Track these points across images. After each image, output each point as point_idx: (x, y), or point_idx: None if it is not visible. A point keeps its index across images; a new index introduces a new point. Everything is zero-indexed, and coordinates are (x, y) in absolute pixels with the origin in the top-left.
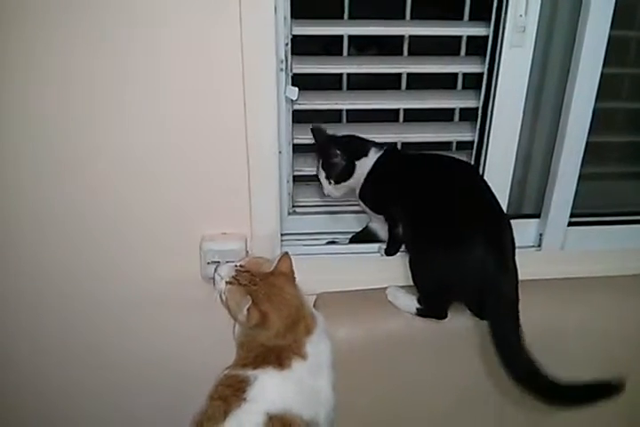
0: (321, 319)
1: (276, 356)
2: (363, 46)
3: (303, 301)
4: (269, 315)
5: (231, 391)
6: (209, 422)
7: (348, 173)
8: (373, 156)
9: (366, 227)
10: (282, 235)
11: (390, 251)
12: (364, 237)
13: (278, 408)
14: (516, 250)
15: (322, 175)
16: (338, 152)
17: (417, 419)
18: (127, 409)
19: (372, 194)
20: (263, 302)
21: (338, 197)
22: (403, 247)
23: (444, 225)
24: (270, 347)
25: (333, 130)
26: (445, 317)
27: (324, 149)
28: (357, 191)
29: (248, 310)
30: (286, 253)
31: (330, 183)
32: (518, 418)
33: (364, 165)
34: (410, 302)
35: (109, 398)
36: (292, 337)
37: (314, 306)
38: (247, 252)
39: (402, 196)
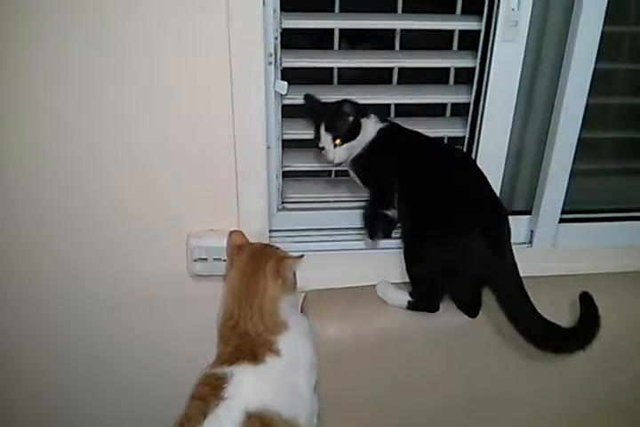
0: (301, 321)
1: (250, 351)
2: (354, 40)
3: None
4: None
5: (210, 390)
6: (189, 424)
7: (355, 130)
8: (375, 123)
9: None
10: (270, 231)
11: (372, 233)
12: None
13: (256, 405)
14: None
15: (326, 138)
16: (347, 107)
17: (408, 417)
18: (116, 405)
19: (368, 163)
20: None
21: (342, 161)
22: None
23: (441, 211)
24: (242, 337)
25: None
26: (437, 309)
27: (330, 109)
28: (353, 157)
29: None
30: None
31: (335, 146)
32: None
33: (368, 129)
34: (401, 296)
35: (99, 393)
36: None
37: (302, 303)
38: None
39: (399, 174)
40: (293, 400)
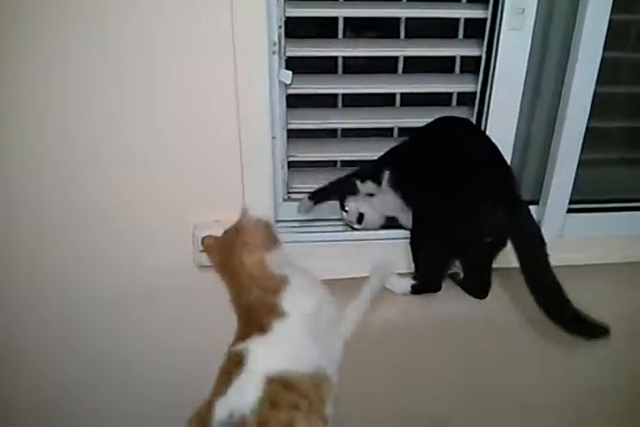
0: (298, 270)
1: (258, 323)
2: (358, 29)
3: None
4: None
5: (231, 365)
6: (216, 396)
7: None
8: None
9: None
10: (276, 222)
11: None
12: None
13: (275, 370)
14: None
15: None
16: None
17: (411, 406)
18: (120, 401)
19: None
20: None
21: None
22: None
23: (445, 180)
24: (249, 311)
25: (328, 114)
26: (440, 288)
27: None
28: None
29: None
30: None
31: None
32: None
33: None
34: (404, 282)
35: (103, 389)
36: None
37: None
38: None
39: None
40: (311, 354)
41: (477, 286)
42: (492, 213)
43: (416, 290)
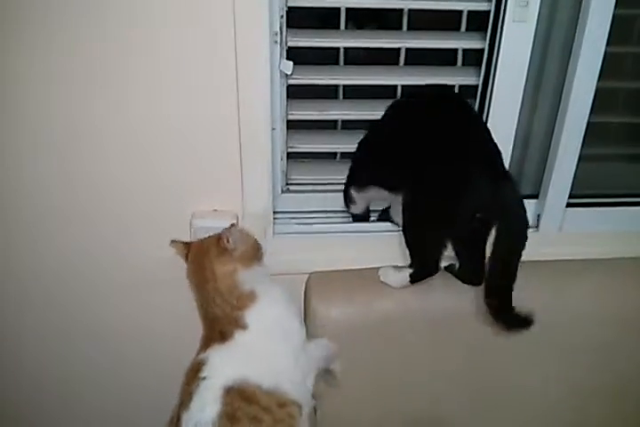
0: (271, 289)
1: (219, 332)
2: (360, 20)
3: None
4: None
5: (193, 374)
6: (182, 408)
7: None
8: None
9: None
10: (274, 213)
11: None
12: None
13: (233, 380)
14: None
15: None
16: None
17: (409, 400)
18: (118, 389)
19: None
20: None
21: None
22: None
23: (434, 157)
24: (212, 321)
25: (328, 106)
26: (437, 269)
27: None
28: None
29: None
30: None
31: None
32: None
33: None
34: (402, 274)
35: (100, 379)
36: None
37: (306, 285)
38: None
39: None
40: (272, 370)
41: (471, 271)
42: (478, 185)
43: (415, 278)
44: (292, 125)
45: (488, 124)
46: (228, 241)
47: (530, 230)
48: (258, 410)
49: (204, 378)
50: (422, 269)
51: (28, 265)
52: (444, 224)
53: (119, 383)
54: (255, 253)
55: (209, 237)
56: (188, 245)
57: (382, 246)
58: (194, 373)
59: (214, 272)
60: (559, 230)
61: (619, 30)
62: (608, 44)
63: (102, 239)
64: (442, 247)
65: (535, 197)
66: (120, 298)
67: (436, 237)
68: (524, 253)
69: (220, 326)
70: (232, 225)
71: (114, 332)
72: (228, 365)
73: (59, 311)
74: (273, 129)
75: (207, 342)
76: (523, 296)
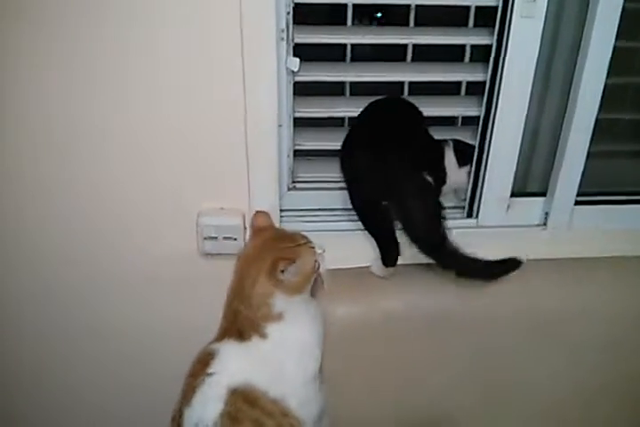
0: (302, 314)
1: (238, 329)
2: (368, 16)
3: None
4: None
5: (200, 366)
6: (184, 402)
7: None
8: None
9: None
10: (281, 211)
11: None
12: None
13: (240, 381)
14: (520, 228)
15: None
16: None
17: (412, 397)
18: (120, 386)
19: None
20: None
21: None
22: None
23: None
24: (235, 315)
25: (335, 103)
26: (396, 251)
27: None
28: None
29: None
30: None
31: None
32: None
33: None
34: (378, 261)
35: (103, 378)
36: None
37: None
38: (245, 228)
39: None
40: (281, 383)
41: (386, 252)
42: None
43: (385, 261)
44: (299, 123)
45: (495, 121)
46: (282, 271)
47: (538, 228)
48: (260, 414)
49: (211, 374)
50: (384, 252)
51: (31, 263)
52: (364, 209)
53: (119, 382)
54: (304, 286)
55: (279, 239)
56: (264, 227)
57: None
58: (201, 365)
59: (254, 285)
60: (567, 228)
61: (628, 25)
62: (617, 39)
63: (107, 237)
64: (381, 225)
65: (543, 194)
66: (124, 297)
67: (367, 218)
68: (527, 250)
69: (240, 324)
70: (292, 262)
71: (118, 329)
72: (238, 365)
73: (60, 310)
74: (279, 126)
75: (223, 333)
76: (530, 295)
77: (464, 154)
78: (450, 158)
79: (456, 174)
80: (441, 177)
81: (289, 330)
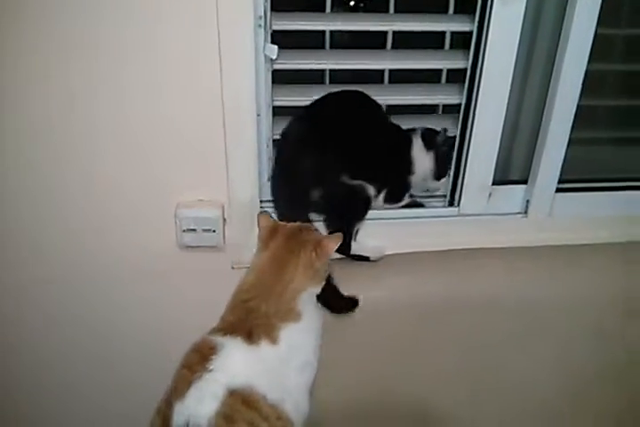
0: (316, 316)
1: (249, 328)
2: (346, 3)
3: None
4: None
5: (198, 358)
6: (175, 395)
7: None
8: None
9: None
10: (261, 201)
11: None
12: None
13: (240, 383)
14: (501, 216)
15: None
16: None
17: (403, 388)
18: (104, 378)
19: None
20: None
21: None
22: None
23: None
24: (248, 312)
25: (315, 91)
26: (349, 237)
27: None
28: None
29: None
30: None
31: None
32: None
33: None
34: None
35: (89, 370)
36: (261, 303)
37: None
38: (224, 219)
39: None
40: (280, 387)
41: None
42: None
43: (342, 251)
44: (278, 112)
45: (477, 110)
46: (317, 256)
47: (519, 216)
48: (256, 417)
49: (211, 370)
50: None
51: (13, 258)
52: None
53: (116, 379)
54: (325, 273)
55: (301, 232)
56: (276, 226)
57: (377, 234)
58: (199, 357)
59: (292, 280)
60: (549, 216)
61: (608, 11)
62: (598, 25)
63: (86, 230)
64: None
65: (524, 182)
66: (106, 289)
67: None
68: (509, 238)
69: (253, 323)
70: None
71: (99, 322)
72: (241, 367)
73: (43, 302)
74: (258, 115)
75: (229, 328)
76: (512, 283)
77: (436, 137)
78: (418, 147)
79: (425, 163)
80: (406, 168)
81: (300, 334)
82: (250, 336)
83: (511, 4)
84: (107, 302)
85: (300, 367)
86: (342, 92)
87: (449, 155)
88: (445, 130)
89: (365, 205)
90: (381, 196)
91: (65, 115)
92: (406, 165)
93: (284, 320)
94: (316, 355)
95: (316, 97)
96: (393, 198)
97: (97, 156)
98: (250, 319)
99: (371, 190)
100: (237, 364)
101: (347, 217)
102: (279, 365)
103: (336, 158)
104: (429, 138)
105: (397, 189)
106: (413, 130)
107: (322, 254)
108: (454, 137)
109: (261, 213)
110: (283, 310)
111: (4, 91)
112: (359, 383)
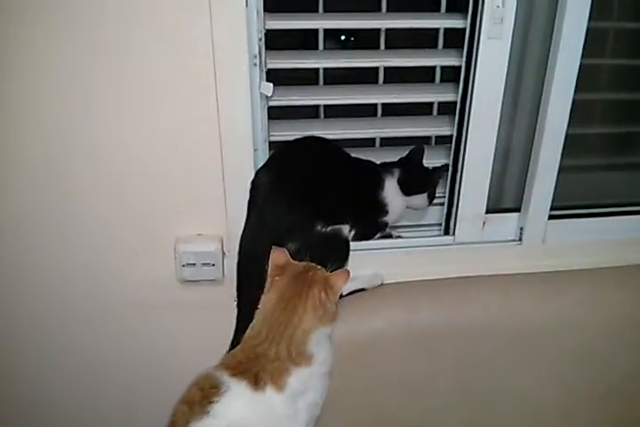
0: (327, 358)
1: (255, 374)
2: (339, 40)
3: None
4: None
5: (200, 397)
6: None
7: None
8: None
9: None
10: None
11: None
12: None
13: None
14: (496, 244)
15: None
16: None
17: (404, 416)
18: (101, 413)
19: None
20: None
21: None
22: None
23: None
24: (257, 356)
25: (310, 126)
26: None
27: None
28: None
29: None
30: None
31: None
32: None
33: None
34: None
35: (88, 404)
36: (270, 347)
37: None
38: (224, 253)
39: None
40: None
41: None
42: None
43: None
44: (275, 147)
45: (467, 140)
46: (327, 296)
47: (513, 243)
48: None
49: (211, 415)
50: None
51: (14, 288)
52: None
53: (115, 413)
54: (335, 314)
55: (308, 271)
56: (285, 265)
57: (373, 264)
58: (201, 394)
59: (302, 322)
60: (542, 243)
61: (593, 42)
62: (583, 56)
63: (85, 265)
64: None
65: (517, 210)
66: (106, 323)
67: None
68: (504, 265)
69: (261, 367)
70: (331, 287)
71: (99, 356)
72: (241, 414)
73: (44, 336)
74: (255, 150)
75: (236, 368)
76: (508, 309)
77: (412, 182)
78: (390, 188)
79: (401, 204)
80: (379, 209)
81: (312, 378)
82: (256, 382)
83: (498, 39)
84: (106, 336)
85: (304, 409)
86: (300, 139)
87: (435, 188)
88: (428, 169)
89: (346, 246)
90: (351, 234)
91: (64, 149)
92: (379, 206)
93: (296, 364)
94: (323, 396)
95: (314, 132)
96: (364, 238)
97: (95, 191)
98: (259, 364)
99: (346, 230)
100: (239, 411)
101: (329, 263)
102: (285, 410)
103: (306, 210)
104: (407, 183)
105: (370, 230)
106: (389, 170)
107: (331, 293)
108: (442, 167)
109: (276, 249)
110: (294, 353)
111: None
112: (359, 413)
